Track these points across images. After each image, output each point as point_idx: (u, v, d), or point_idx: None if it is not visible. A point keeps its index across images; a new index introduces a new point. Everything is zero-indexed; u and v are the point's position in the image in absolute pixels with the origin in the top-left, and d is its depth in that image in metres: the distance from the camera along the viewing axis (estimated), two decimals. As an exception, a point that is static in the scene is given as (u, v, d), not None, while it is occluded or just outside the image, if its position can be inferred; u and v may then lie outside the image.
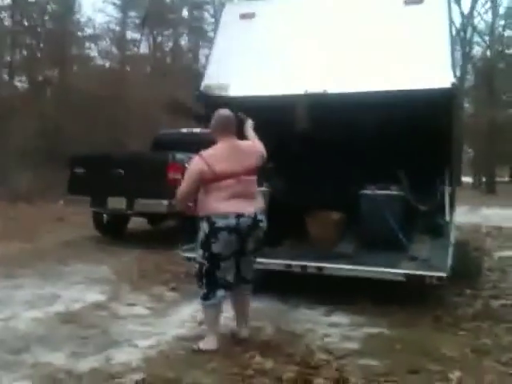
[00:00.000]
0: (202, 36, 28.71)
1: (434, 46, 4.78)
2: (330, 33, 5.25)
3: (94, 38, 22.47)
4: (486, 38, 29.36)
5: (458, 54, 26.24)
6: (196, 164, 3.60)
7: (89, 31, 22.11)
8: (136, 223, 9.40)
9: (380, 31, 5.05)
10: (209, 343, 3.62)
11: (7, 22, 19.37)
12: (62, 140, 17.53)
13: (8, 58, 19.21)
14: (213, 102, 5.40)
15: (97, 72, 21.57)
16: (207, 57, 5.90)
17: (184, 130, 9.72)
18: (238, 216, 3.52)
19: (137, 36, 25.76)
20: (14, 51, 19.34)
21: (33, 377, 3.15)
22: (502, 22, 29.43)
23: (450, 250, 4.74)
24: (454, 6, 25.10)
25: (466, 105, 30.26)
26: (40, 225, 9.66)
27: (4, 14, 19.11)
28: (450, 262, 4.48)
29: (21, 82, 20.29)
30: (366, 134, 5.50)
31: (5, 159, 15.83)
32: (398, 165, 5.57)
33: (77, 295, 5.01)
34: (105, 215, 8.51)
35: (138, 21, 25.77)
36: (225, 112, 3.76)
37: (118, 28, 24.43)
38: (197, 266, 3.67)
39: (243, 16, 5.61)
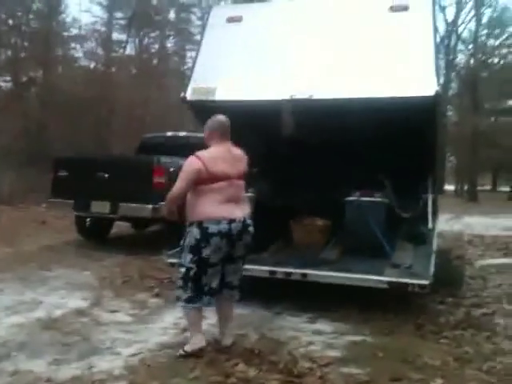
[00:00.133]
0: (188, 39, 28.65)
1: (419, 54, 4.83)
2: (316, 38, 5.27)
3: (80, 39, 22.27)
4: (470, 46, 29.74)
5: (442, 62, 26.52)
6: (193, 163, 3.59)
7: (74, 31, 21.95)
8: (120, 228, 9.33)
9: (365, 38, 5.08)
10: (196, 343, 3.63)
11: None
12: (45, 141, 17.37)
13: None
14: (199, 105, 5.40)
15: (82, 73, 21.38)
16: (194, 60, 5.87)
17: (170, 134, 9.69)
18: (230, 221, 3.56)
19: (123, 37, 25.63)
20: (-3, 50, 19.12)
21: (12, 385, 3.12)
22: (486, 31, 29.84)
23: (433, 258, 4.78)
24: (439, 14, 25.45)
25: (450, 113, 30.61)
26: (22, 228, 9.54)
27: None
28: (432, 269, 4.51)
29: (5, 82, 20.04)
30: (351, 140, 5.54)
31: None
32: (382, 171, 5.62)
33: (58, 301, 4.95)
34: (88, 219, 8.42)
35: (124, 22, 25.65)
36: (223, 117, 3.80)
37: (103, 29, 24.22)
38: (183, 269, 3.65)
39: (230, 19, 5.61)
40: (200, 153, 3.67)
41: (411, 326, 4.29)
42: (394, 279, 4.48)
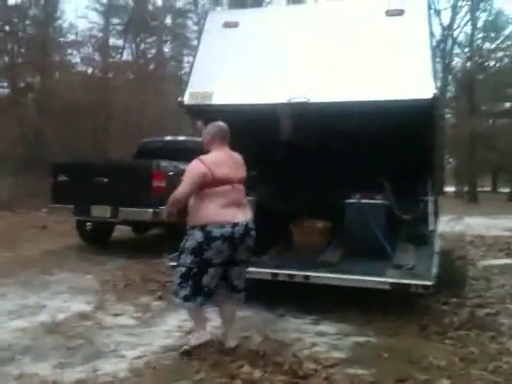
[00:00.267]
0: (185, 44, 28.71)
1: (416, 57, 4.85)
2: (312, 43, 5.28)
3: (77, 45, 22.25)
4: (466, 49, 29.87)
5: (439, 66, 26.62)
6: (198, 167, 3.61)
7: (71, 37, 21.94)
8: (121, 232, 9.33)
9: (362, 42, 5.10)
10: (200, 337, 3.70)
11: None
12: (43, 147, 17.37)
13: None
14: (196, 110, 5.42)
15: (79, 78, 21.39)
16: (191, 65, 5.89)
17: (168, 138, 9.70)
18: (234, 225, 3.59)
19: (120, 43, 25.67)
20: (-6, 56, 19.11)
21: (18, 388, 3.11)
22: (481, 35, 29.97)
23: (435, 259, 4.79)
24: (434, 18, 25.55)
25: (448, 115, 30.72)
26: (22, 233, 9.54)
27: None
28: (435, 270, 4.52)
29: (2, 88, 20.03)
30: (350, 143, 5.56)
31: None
32: (381, 174, 5.63)
33: (62, 305, 4.95)
34: (89, 224, 8.42)
35: (120, 28, 25.69)
36: (222, 124, 3.85)
37: (100, 34, 24.24)
38: (183, 269, 3.66)
39: (227, 24, 5.63)
40: (203, 157, 3.70)
41: (415, 327, 4.30)
42: (396, 280, 4.48)
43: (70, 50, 22.21)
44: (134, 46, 26.28)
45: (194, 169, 3.62)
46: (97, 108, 19.20)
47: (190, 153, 3.87)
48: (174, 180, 6.88)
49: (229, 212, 3.61)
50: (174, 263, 4.78)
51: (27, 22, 19.62)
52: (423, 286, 4.36)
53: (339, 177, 5.62)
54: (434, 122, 5.27)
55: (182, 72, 26.48)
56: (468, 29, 29.05)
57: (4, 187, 13.58)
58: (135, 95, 20.35)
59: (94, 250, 7.90)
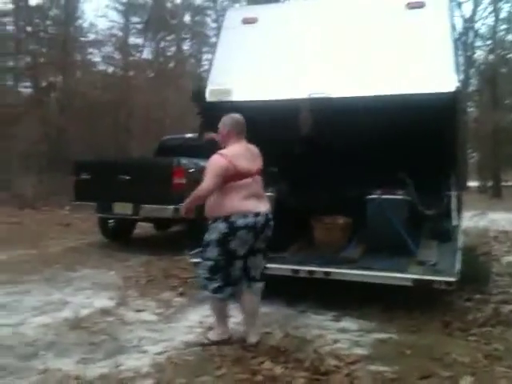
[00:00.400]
0: (204, 41, 28.77)
1: (437, 50, 4.79)
2: (333, 37, 5.25)
3: (97, 44, 22.49)
4: (489, 41, 29.34)
5: (461, 59, 26.22)
6: (220, 161, 3.63)
7: (92, 37, 22.18)
8: (143, 228, 9.41)
9: (383, 35, 5.05)
10: (220, 333, 3.77)
11: (10, 28, 19.46)
12: (66, 145, 17.59)
13: (12, 64, 19.28)
14: (216, 107, 5.42)
15: (100, 77, 21.61)
16: (210, 62, 5.90)
17: (188, 135, 9.73)
18: (256, 215, 3.66)
19: (140, 41, 25.83)
20: (17, 57, 19.39)
21: (42, 383, 3.16)
22: (504, 26, 29.40)
23: (458, 255, 4.73)
24: (456, 10, 25.16)
25: (470, 109, 30.25)
26: (46, 231, 9.69)
27: (7, 20, 19.18)
28: (458, 266, 4.46)
29: (25, 88, 20.36)
30: (371, 138, 5.49)
31: (10, 165, 15.88)
32: (403, 169, 5.57)
33: (85, 301, 5.01)
34: (111, 221, 8.51)
35: (140, 26, 25.84)
36: (239, 116, 3.86)
37: (120, 33, 24.42)
38: (209, 263, 3.70)
39: (245, 21, 5.62)
40: (223, 151, 3.72)
41: (438, 324, 4.25)
42: (419, 276, 4.44)
43: (90, 50, 22.47)
44: (153, 44, 26.41)
45: (217, 163, 3.64)
46: (118, 106, 19.41)
47: (209, 149, 3.87)
48: (195, 177, 6.92)
49: (250, 203, 3.68)
50: (196, 260, 4.83)
51: (48, 22, 19.88)
52: (446, 283, 4.30)
53: (360, 172, 5.57)
54: (457, 115, 5.18)
55: (202, 69, 26.53)
56: (490, 20, 28.52)
57: (28, 185, 13.80)
58: (155, 93, 20.47)
59: (117, 247, 7.98)
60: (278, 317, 4.48)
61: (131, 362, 3.49)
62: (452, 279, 4.28)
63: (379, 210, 5.29)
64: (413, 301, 4.74)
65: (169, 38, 27.39)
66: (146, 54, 25.63)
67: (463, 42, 27.62)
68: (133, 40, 25.45)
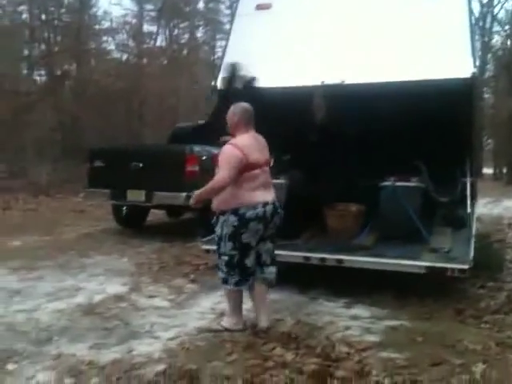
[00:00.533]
0: (218, 28, 28.64)
1: (454, 35, 4.71)
2: (347, 22, 5.19)
3: (111, 32, 22.49)
4: (507, 27, 28.82)
5: (478, 44, 25.80)
6: (235, 152, 3.61)
7: (106, 24, 22.18)
8: (156, 216, 9.46)
9: (398, 20, 4.98)
10: (234, 323, 3.79)
11: (25, 16, 19.54)
12: (80, 133, 17.70)
13: (26, 52, 19.37)
14: (229, 94, 5.39)
15: (114, 65, 21.64)
16: (223, 49, 5.86)
17: (202, 123, 9.72)
18: (264, 205, 3.66)
19: (153, 29, 25.79)
20: (32, 45, 19.47)
21: (56, 368, 3.20)
22: (523, 10, 28.82)
23: (472, 242, 4.69)
24: (473, -6, 24.66)
25: (487, 95, 29.82)
26: (61, 217, 9.77)
27: (22, 8, 19.25)
28: (472, 253, 4.42)
29: (40, 76, 20.47)
30: (385, 124, 5.44)
31: (24, 152, 16.04)
32: (417, 156, 5.51)
33: (98, 287, 5.06)
34: (124, 208, 8.56)
35: (154, 13, 25.78)
36: (247, 105, 3.83)
37: (134, 21, 24.38)
38: (225, 257, 3.72)
39: (259, 7, 5.57)
40: (235, 142, 3.69)
41: (451, 311, 4.23)
42: (432, 264, 4.41)
43: (104, 37, 22.46)
44: (167, 31, 26.36)
45: (233, 154, 3.61)
46: (131, 94, 19.45)
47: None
48: (207, 164, 6.92)
49: (259, 194, 3.68)
50: (208, 247, 4.85)
51: (63, 10, 19.89)
52: (459, 270, 4.27)
53: (374, 159, 5.53)
54: (473, 102, 5.12)
55: (216, 57, 26.46)
56: (509, 5, 28.11)
57: (42, 173, 13.91)
58: (169, 81, 20.47)
59: (130, 234, 8.04)
60: (290, 303, 4.49)
61: (143, 348, 3.52)
62: (465, 266, 4.25)
63: (393, 197, 5.25)
64: (425, 288, 4.72)
65: (182, 25, 27.31)
66: (160, 41, 25.62)
67: (480, 26, 27.18)
68: (147, 28, 25.44)
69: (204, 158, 7.39)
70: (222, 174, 3.59)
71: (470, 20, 4.93)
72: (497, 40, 30.03)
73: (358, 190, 5.56)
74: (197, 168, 7.29)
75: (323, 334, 3.73)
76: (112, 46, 22.75)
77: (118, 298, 4.69)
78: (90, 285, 5.14)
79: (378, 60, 4.84)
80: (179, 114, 20.82)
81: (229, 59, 5.48)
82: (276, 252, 4.69)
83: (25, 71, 19.66)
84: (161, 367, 3.17)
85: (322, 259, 4.74)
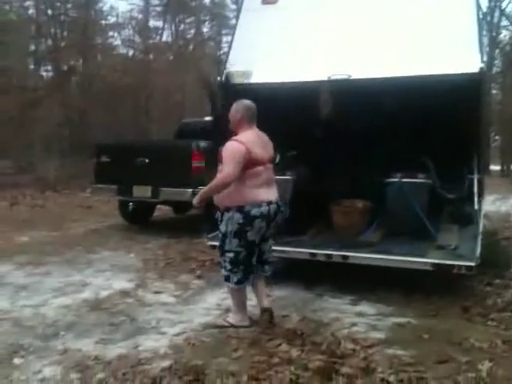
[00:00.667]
0: (224, 23, 28.59)
1: (462, 30, 4.67)
2: (353, 17, 5.16)
3: (117, 27, 22.54)
4: (515, 21, 28.55)
5: (485, 39, 25.59)
6: (239, 148, 3.60)
7: (112, 20, 22.23)
8: (162, 211, 9.47)
9: (405, 15, 4.95)
10: (240, 320, 3.80)
11: (31, 11, 19.57)
12: (86, 128, 17.75)
13: (33, 48, 19.42)
14: (235, 89, 5.38)
15: (120, 61, 21.67)
16: (229, 44, 5.85)
17: (208, 118, 9.71)
18: (268, 203, 3.67)
19: (159, 24, 25.80)
20: (38, 40, 19.52)
21: (62, 362, 3.22)
22: (532, 5, 28.58)
23: (479, 239, 4.66)
24: (482, -11, 24.45)
25: (494, 91, 29.60)
26: (68, 213, 9.82)
27: (28, 3, 19.30)
28: (479, 251, 4.40)
29: (46, 72, 20.53)
30: (392, 120, 5.42)
31: (32, 148, 16.10)
32: (424, 152, 5.48)
33: (104, 283, 5.08)
34: (131, 204, 8.58)
35: (160, 8, 25.76)
36: (250, 102, 3.82)
37: (140, 16, 24.41)
38: (230, 254, 3.71)
39: (265, 2, 5.56)
40: (239, 138, 3.68)
41: (457, 309, 4.21)
42: (438, 261, 4.39)
43: (111, 33, 22.52)
44: (173, 26, 26.34)
45: (237, 150, 3.59)
46: (138, 89, 19.46)
47: (229, 133, 3.85)
48: (214, 160, 6.90)
49: (263, 191, 3.68)
50: (214, 243, 4.85)
51: (69, 5, 19.93)
52: (466, 267, 4.25)
53: (381, 155, 5.50)
54: (481, 97, 5.07)
55: (221, 52, 26.42)
56: (517, -1, 27.75)
57: (50, 168, 13.96)
58: (175, 76, 20.47)
59: (136, 230, 8.07)
60: (295, 300, 4.49)
61: (149, 343, 3.54)
62: (472, 264, 4.23)
63: (399, 193, 5.23)
64: (432, 285, 4.70)
65: (188, 20, 27.30)
66: (166, 36, 25.63)
67: (488, 21, 26.93)
68: (152, 23, 25.44)
69: (210, 153, 7.38)
70: (227, 170, 3.57)
71: (478, 15, 4.88)
72: (505, 35, 29.76)
73: (365, 186, 5.54)
74: (203, 164, 7.28)
75: (329, 331, 3.72)
76: (118, 42, 22.82)
77: (125, 293, 4.71)
78: (97, 280, 5.16)
79: (385, 55, 4.81)
80: (185, 109, 20.83)
81: (235, 54, 5.47)
82: (282, 248, 4.72)
83: (31, 66, 19.71)
84: (167, 363, 3.18)
85: (328, 256, 4.73)
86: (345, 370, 3.05)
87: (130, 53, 23.05)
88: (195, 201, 3.80)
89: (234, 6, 27.45)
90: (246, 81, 5.22)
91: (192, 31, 27.76)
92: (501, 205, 11.62)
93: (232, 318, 3.84)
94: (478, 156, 5.66)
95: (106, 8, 21.94)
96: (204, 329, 3.81)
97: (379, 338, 3.61)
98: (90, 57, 19.47)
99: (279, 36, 5.36)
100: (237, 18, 6.11)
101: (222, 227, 3.73)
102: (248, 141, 3.64)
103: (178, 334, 3.70)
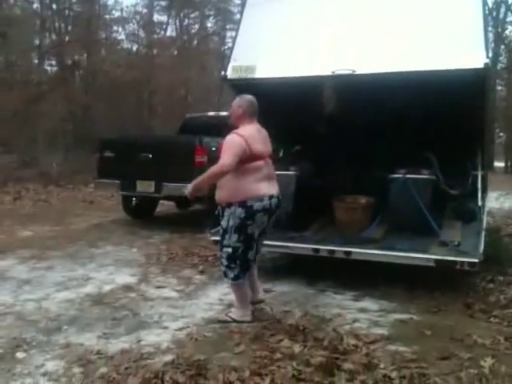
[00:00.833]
0: (228, 18, 28.53)
1: (467, 25, 4.63)
2: (358, 12, 5.12)
3: (122, 21, 22.50)
4: (520, 17, 28.43)
5: (491, 35, 25.44)
6: (239, 141, 3.61)
7: (116, 14, 22.19)
8: (165, 206, 9.48)
9: (410, 9, 4.91)
10: (243, 315, 3.80)
11: (36, 6, 19.57)
12: (90, 123, 17.75)
13: (37, 42, 19.42)
14: (240, 83, 5.37)
15: (124, 55, 21.67)
16: (234, 38, 5.83)
17: (211, 114, 9.71)
18: (270, 197, 3.70)
19: (164, 19, 25.76)
20: (42, 35, 19.51)
21: (65, 357, 3.22)
22: (538, 1, 28.35)
23: (482, 236, 4.65)
24: (488, -16, 24.30)
25: (499, 87, 29.47)
26: (71, 208, 9.84)
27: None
28: (482, 247, 4.39)
29: (50, 66, 20.53)
30: (396, 115, 5.39)
31: (35, 142, 16.12)
32: (428, 148, 5.47)
33: (107, 277, 5.09)
34: (134, 199, 8.59)
35: (164, 3, 25.72)
36: (252, 97, 3.84)
37: (144, 11, 24.38)
38: (229, 249, 3.72)
39: None
40: (240, 131, 3.70)
41: (460, 305, 4.20)
42: (441, 257, 4.38)
43: (115, 27, 22.49)
44: (177, 21, 26.30)
45: (236, 142, 3.61)
46: (141, 84, 19.46)
47: (232, 128, 3.85)
48: (217, 155, 6.90)
49: (264, 186, 3.70)
50: (217, 238, 4.84)
51: (73, 0, 19.90)
52: (469, 263, 4.24)
53: (384, 151, 5.49)
54: (485, 93, 5.05)
55: (226, 47, 26.38)
56: (523, -5, 27.59)
57: (53, 163, 13.98)
58: (179, 71, 20.45)
59: (139, 225, 8.07)
60: (298, 295, 4.49)
61: (152, 338, 3.54)
62: (475, 260, 4.22)
63: (403, 189, 5.21)
64: (434, 281, 4.70)
65: (193, 15, 27.24)
66: (170, 31, 25.59)
67: (494, 17, 26.79)
68: (157, 17, 25.40)
69: (213, 148, 7.37)
70: (223, 160, 3.57)
71: (484, 10, 4.84)
72: (510, 31, 29.67)
73: (368, 182, 5.53)
74: (206, 159, 7.27)
75: (331, 327, 3.72)
76: (122, 36, 22.79)
77: (127, 288, 4.72)
78: (100, 275, 5.17)
79: (389, 50, 4.78)
80: (189, 104, 20.82)
81: (239, 49, 5.45)
82: (285, 244, 4.73)
83: (35, 61, 19.70)
84: (169, 357, 3.18)
85: (331, 251, 4.73)
86: (347, 365, 3.05)
87: (134, 48, 23.05)
88: (188, 190, 3.78)
89: (238, 1, 27.37)
90: (249, 76, 5.21)
91: (196, 26, 27.71)
92: (504, 201, 11.58)
93: (234, 313, 3.84)
94: (481, 152, 5.65)
95: (110, 2, 22.06)
96: (206, 324, 3.82)
97: (381, 334, 3.60)
98: (94, 51, 19.45)
99: (283, 31, 5.33)
100: (241, 12, 6.08)
101: (224, 222, 3.74)
102: (249, 135, 3.65)
103: (180, 329, 3.70)
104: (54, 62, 20.24)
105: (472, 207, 5.31)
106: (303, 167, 5.96)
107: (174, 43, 24.56)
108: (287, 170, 5.54)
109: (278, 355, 3.20)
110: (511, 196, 12.88)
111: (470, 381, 2.90)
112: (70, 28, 20.24)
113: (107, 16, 21.56)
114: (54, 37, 19.65)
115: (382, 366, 3.05)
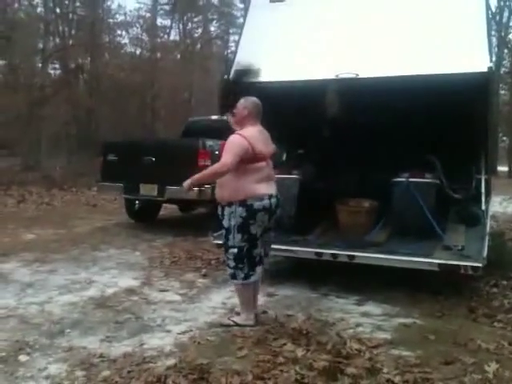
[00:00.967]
0: (231, 22, 28.60)
1: (470, 29, 4.63)
2: (362, 16, 5.13)
3: (125, 25, 22.59)
4: (524, 21, 28.37)
5: (494, 39, 25.42)
6: (241, 141, 3.63)
7: (120, 18, 22.29)
8: (168, 210, 9.48)
9: (414, 14, 4.91)
10: (246, 319, 3.79)
11: (40, 9, 19.66)
12: (93, 127, 17.80)
13: (41, 46, 19.50)
14: (243, 87, 5.37)
15: (128, 59, 21.74)
16: (237, 42, 5.83)
17: (214, 117, 9.71)
18: (270, 197, 3.73)
19: (167, 23, 25.86)
20: (46, 39, 19.58)
21: (67, 360, 3.22)
22: (542, 5, 28.33)
23: (486, 240, 4.63)
24: (491, -11, 24.28)
25: (502, 92, 29.42)
26: (74, 211, 9.86)
27: (36, 1, 19.38)
28: (485, 251, 4.37)
29: (54, 70, 20.61)
30: (400, 119, 5.39)
31: (39, 146, 16.17)
32: (432, 152, 5.46)
33: (110, 280, 5.09)
34: (137, 202, 8.59)
35: (168, 7, 25.81)
36: (257, 100, 3.87)
37: (148, 15, 24.45)
38: (234, 250, 3.73)
39: None
40: (243, 132, 3.72)
41: (463, 309, 4.19)
42: (445, 261, 4.36)
43: (118, 31, 22.59)
44: (180, 25, 26.38)
45: (238, 143, 3.63)
46: (145, 88, 19.52)
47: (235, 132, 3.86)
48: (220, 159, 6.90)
49: (264, 186, 3.74)
50: (220, 241, 4.84)
51: (77, 3, 20.01)
52: (473, 268, 4.23)
53: (387, 155, 5.48)
54: (489, 97, 5.04)
55: (229, 51, 26.46)
56: (527, -1, 27.57)
57: (57, 166, 14.01)
58: (182, 75, 20.50)
59: (142, 228, 8.08)
60: (301, 299, 4.48)
61: (155, 341, 3.54)
62: (479, 264, 4.20)
63: (406, 193, 5.20)
64: (438, 286, 4.68)
65: (196, 19, 27.33)
66: (173, 35, 25.68)
67: (497, 21, 26.78)
68: (160, 21, 25.50)
69: (217, 152, 7.37)
70: (224, 159, 3.59)
71: (487, 14, 4.85)
72: (514, 35, 29.57)
73: (371, 185, 5.52)
74: (209, 162, 7.26)
75: (334, 331, 3.71)
76: (126, 40, 22.88)
77: (130, 291, 4.71)
78: (103, 278, 5.17)
79: (393, 54, 4.78)
80: (192, 108, 20.87)
81: (242, 52, 5.46)
82: (288, 247, 4.72)
83: (39, 65, 19.78)
84: (172, 361, 3.17)
85: (334, 255, 4.72)
86: (350, 370, 3.03)
87: (138, 51, 23.13)
88: (186, 183, 3.82)
89: (241, 5, 27.52)
90: (253, 79, 5.21)
91: (199, 30, 27.80)
92: (508, 206, 11.56)
93: (237, 317, 3.84)
94: (485, 156, 5.63)
95: (114, 6, 22.14)
96: (209, 327, 3.81)
97: (385, 339, 3.59)
98: (97, 55, 19.54)
99: (287, 34, 5.34)
100: (244, 16, 6.10)
101: (225, 222, 3.75)
102: (252, 136, 3.68)
103: (183, 333, 3.70)
104: (57, 66, 20.35)
105: (476, 211, 5.30)
106: (306, 171, 5.95)
107: (177, 47, 24.65)
108: (290, 174, 5.53)
109: (281, 359, 3.19)
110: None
111: (474, 386, 2.89)
112: (73, 32, 20.35)
113: (111, 20, 21.71)
114: (57, 40, 19.74)
115: (385, 370, 3.04)
